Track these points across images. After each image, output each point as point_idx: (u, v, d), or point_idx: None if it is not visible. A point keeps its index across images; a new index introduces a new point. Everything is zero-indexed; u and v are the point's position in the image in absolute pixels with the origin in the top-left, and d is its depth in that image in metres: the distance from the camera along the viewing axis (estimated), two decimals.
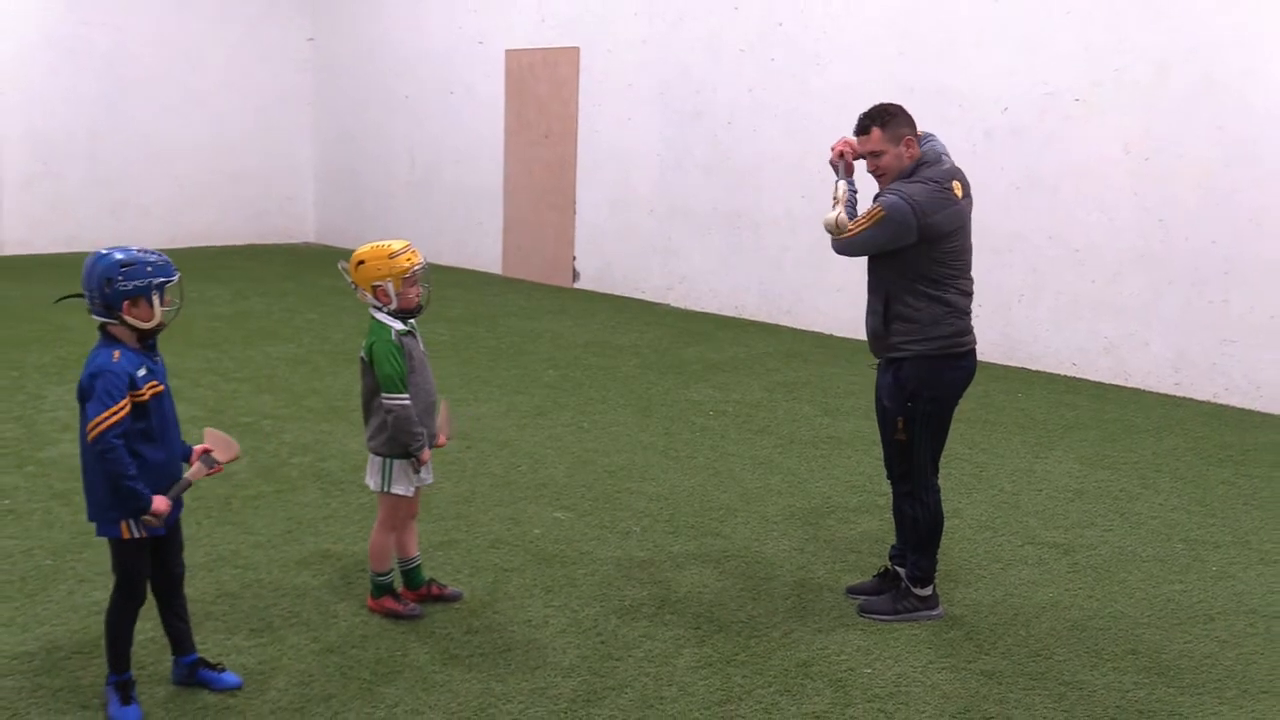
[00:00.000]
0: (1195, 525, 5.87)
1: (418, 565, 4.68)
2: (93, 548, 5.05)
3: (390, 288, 4.35)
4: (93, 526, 3.74)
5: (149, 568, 3.83)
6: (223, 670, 4.00)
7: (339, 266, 4.59)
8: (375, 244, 4.45)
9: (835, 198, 4.63)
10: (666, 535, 5.53)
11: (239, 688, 3.96)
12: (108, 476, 3.60)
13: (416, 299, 4.43)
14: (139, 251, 3.69)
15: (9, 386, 7.97)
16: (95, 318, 3.68)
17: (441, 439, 4.60)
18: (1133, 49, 8.65)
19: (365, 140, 15.88)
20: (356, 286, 4.42)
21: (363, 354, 4.41)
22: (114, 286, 3.60)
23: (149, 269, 3.63)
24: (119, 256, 3.64)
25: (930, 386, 4.57)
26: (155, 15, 15.10)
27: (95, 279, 3.61)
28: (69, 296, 3.84)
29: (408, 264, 4.36)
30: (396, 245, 4.41)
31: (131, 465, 3.59)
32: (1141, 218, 8.74)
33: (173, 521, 3.85)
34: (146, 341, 3.74)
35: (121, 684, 3.79)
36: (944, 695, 4.06)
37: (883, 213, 4.45)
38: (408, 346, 4.38)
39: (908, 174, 4.56)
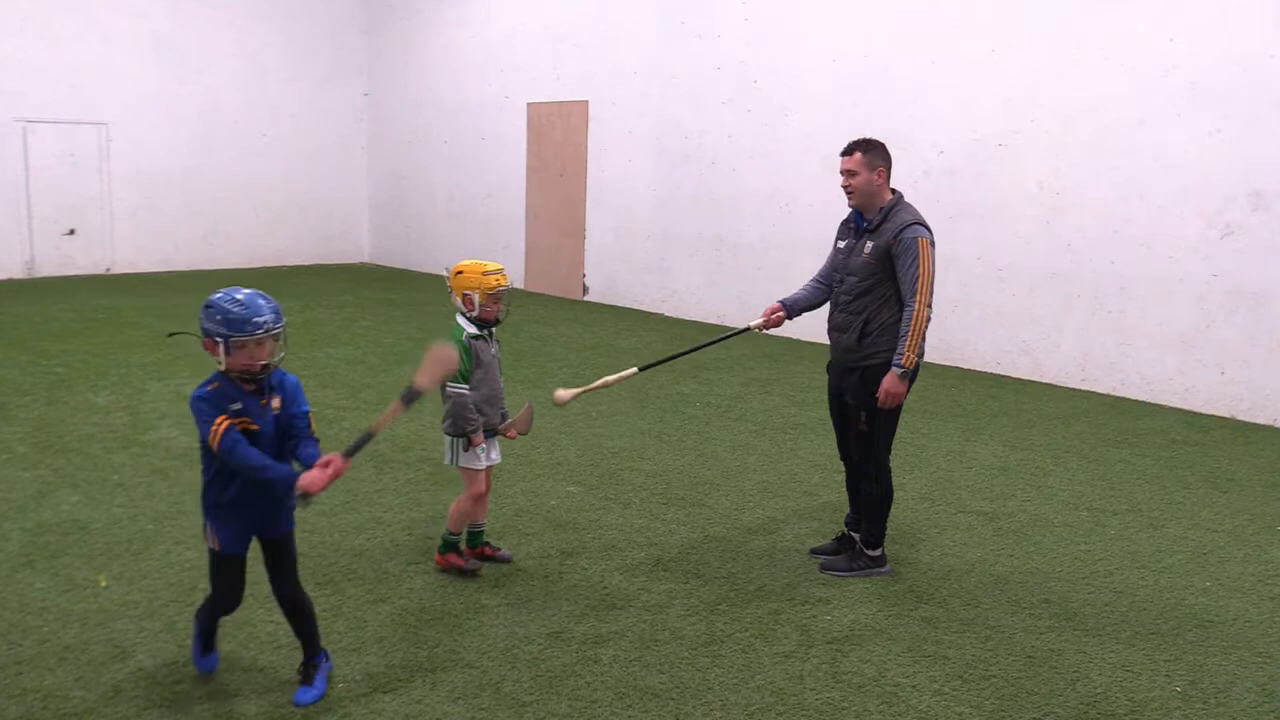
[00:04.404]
0: (1097, 496, 5.87)
1: (482, 529, 4.66)
2: (186, 515, 5.05)
3: (476, 298, 4.29)
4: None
5: (233, 585, 3.43)
6: (314, 681, 3.49)
7: (445, 269, 4.54)
8: (477, 260, 4.38)
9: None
10: (660, 505, 5.52)
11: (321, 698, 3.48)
12: (245, 472, 3.15)
13: (495, 314, 4.35)
14: (231, 303, 3.17)
15: (118, 381, 7.96)
16: None
17: (512, 433, 4.46)
18: (1045, 104, 8.64)
19: (411, 178, 15.85)
20: (451, 290, 4.38)
21: None
22: (201, 323, 3.21)
23: (218, 318, 3.14)
24: (213, 299, 3.20)
25: None
26: (239, 75, 15.09)
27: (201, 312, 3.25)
28: (175, 334, 4.04)
29: (495, 283, 4.29)
30: (492, 266, 4.32)
31: (257, 455, 3.13)
32: (1053, 243, 8.73)
33: (278, 535, 3.45)
34: (254, 382, 3.22)
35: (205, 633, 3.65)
36: (890, 638, 4.06)
37: (925, 241, 4.31)
38: (477, 348, 4.32)
39: (890, 206, 4.41)
